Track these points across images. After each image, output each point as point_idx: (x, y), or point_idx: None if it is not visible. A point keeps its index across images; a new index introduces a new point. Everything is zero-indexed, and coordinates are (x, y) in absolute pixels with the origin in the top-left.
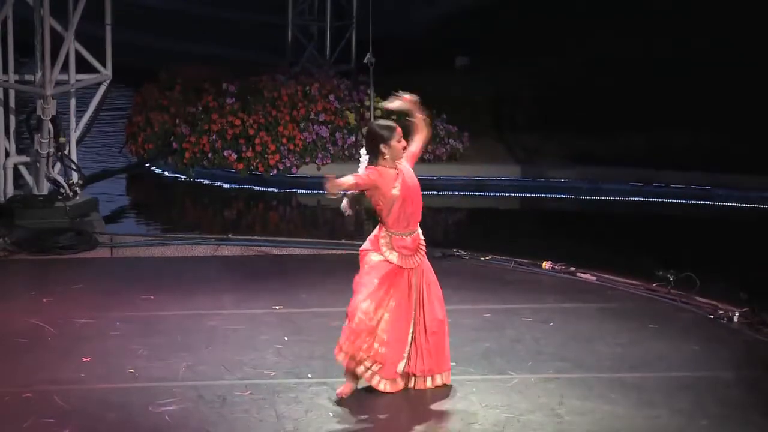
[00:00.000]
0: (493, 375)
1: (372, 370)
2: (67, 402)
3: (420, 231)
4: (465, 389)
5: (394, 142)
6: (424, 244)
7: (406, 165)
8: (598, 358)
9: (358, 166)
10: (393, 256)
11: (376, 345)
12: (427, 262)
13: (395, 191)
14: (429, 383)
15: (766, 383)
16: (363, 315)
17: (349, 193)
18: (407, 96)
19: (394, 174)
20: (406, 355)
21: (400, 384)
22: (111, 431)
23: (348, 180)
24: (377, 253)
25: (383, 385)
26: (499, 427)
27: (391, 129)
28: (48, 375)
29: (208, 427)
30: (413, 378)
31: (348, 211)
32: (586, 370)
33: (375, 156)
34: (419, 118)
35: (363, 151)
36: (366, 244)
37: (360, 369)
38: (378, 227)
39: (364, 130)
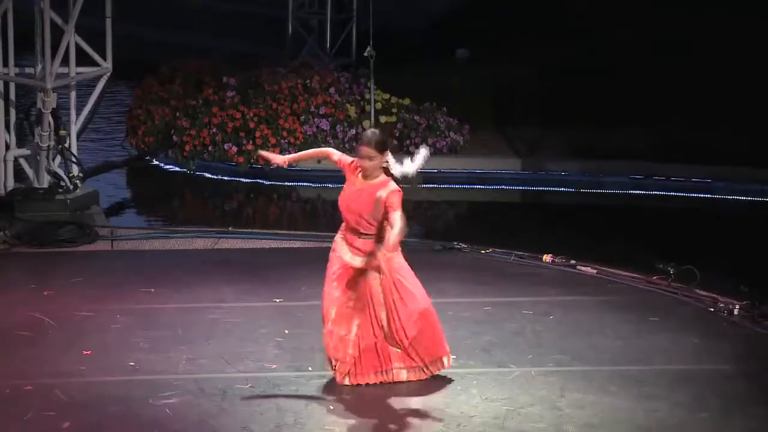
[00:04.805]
0: (493, 368)
1: (339, 371)
2: (68, 395)
3: (376, 245)
4: (465, 382)
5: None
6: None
7: (372, 184)
8: (599, 351)
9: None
10: (344, 253)
11: (348, 349)
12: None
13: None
14: (421, 374)
15: (766, 376)
16: (331, 324)
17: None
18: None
19: (353, 180)
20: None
21: (378, 378)
22: (112, 424)
23: (336, 154)
24: (335, 249)
25: (348, 380)
26: (499, 420)
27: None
28: (49, 368)
29: (208, 419)
30: (403, 371)
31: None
32: (587, 362)
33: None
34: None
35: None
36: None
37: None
38: None
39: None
